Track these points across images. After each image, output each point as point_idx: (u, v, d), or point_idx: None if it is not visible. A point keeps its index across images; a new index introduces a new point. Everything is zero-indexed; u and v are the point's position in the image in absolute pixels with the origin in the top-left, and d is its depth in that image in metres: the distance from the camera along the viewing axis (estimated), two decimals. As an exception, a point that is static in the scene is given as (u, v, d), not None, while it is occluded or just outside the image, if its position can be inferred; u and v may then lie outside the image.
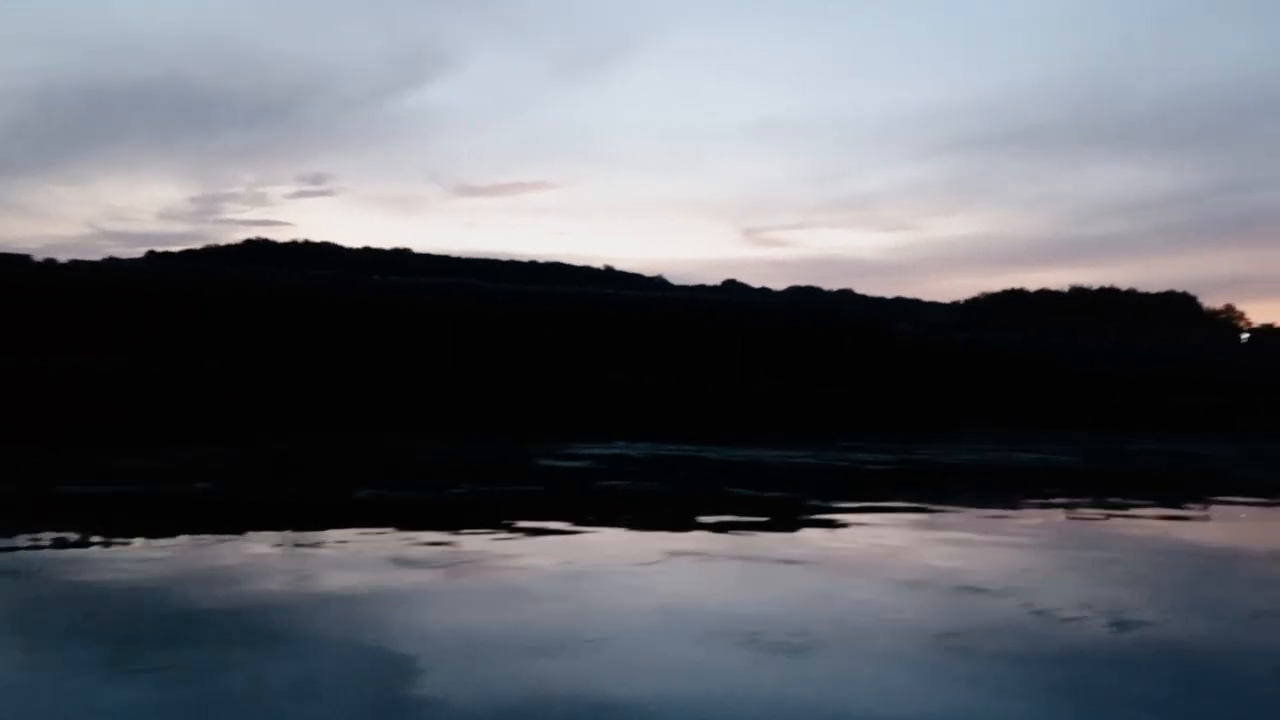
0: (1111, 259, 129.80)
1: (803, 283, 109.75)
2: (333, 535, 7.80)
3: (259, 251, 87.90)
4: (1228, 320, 75.72)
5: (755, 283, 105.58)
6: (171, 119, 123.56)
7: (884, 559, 7.37)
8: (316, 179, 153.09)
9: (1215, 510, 11.16)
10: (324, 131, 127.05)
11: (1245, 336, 52.70)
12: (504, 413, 22.87)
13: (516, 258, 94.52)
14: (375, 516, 8.82)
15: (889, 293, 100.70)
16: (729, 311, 27.69)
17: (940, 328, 29.69)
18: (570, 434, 19.75)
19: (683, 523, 8.83)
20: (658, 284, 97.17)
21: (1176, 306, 77.21)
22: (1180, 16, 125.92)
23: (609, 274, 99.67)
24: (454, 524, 8.40)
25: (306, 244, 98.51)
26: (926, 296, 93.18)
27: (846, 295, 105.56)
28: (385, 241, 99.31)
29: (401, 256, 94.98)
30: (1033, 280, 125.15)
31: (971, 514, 9.98)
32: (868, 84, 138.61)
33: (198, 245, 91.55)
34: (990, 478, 14.48)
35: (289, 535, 7.97)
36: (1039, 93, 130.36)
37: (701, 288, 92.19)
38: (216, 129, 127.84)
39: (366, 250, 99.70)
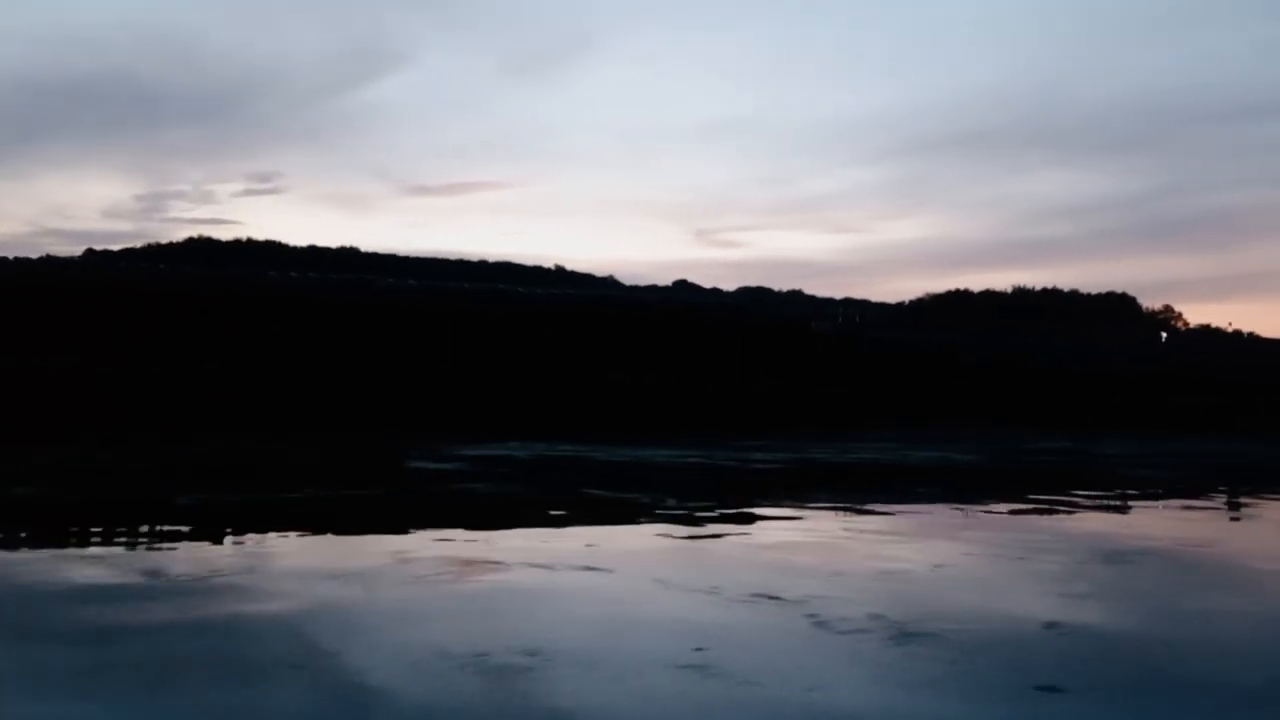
0: (1055, 261, 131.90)
1: (754, 284, 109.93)
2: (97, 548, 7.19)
3: (201, 250, 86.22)
4: (1166, 320, 76.89)
5: (707, 283, 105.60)
6: (117, 115, 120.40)
7: (691, 567, 6.93)
8: (265, 177, 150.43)
9: (1079, 509, 10.85)
10: (273, 129, 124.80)
11: (1164, 336, 53.44)
12: (417, 412, 22.28)
13: (466, 257, 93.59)
14: (176, 519, 8.22)
15: (839, 294, 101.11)
16: (633, 309, 27.26)
17: (857, 325, 29.47)
18: (468, 434, 19.21)
19: (502, 527, 8.34)
20: (609, 284, 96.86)
21: (1116, 307, 78.29)
22: (1123, 25, 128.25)
23: (560, 273, 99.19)
24: (245, 528, 7.84)
25: (250, 242, 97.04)
26: (875, 298, 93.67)
27: (796, 296, 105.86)
28: (335, 240, 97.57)
29: (348, 255, 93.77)
30: (981, 281, 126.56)
31: (826, 515, 9.60)
32: (820, 87, 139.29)
33: (139, 244, 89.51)
34: (876, 477, 14.11)
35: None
36: (987, 97, 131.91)
37: (653, 288, 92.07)
38: (163, 126, 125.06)
39: (312, 249, 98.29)
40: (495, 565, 6.84)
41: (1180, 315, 77.70)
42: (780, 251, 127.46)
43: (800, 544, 8.13)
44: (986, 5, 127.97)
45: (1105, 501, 11.51)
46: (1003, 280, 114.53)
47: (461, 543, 7.71)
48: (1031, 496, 11.73)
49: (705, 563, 7.08)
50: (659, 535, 8.24)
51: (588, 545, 7.66)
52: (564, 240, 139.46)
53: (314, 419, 20.89)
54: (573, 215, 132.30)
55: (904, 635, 5.32)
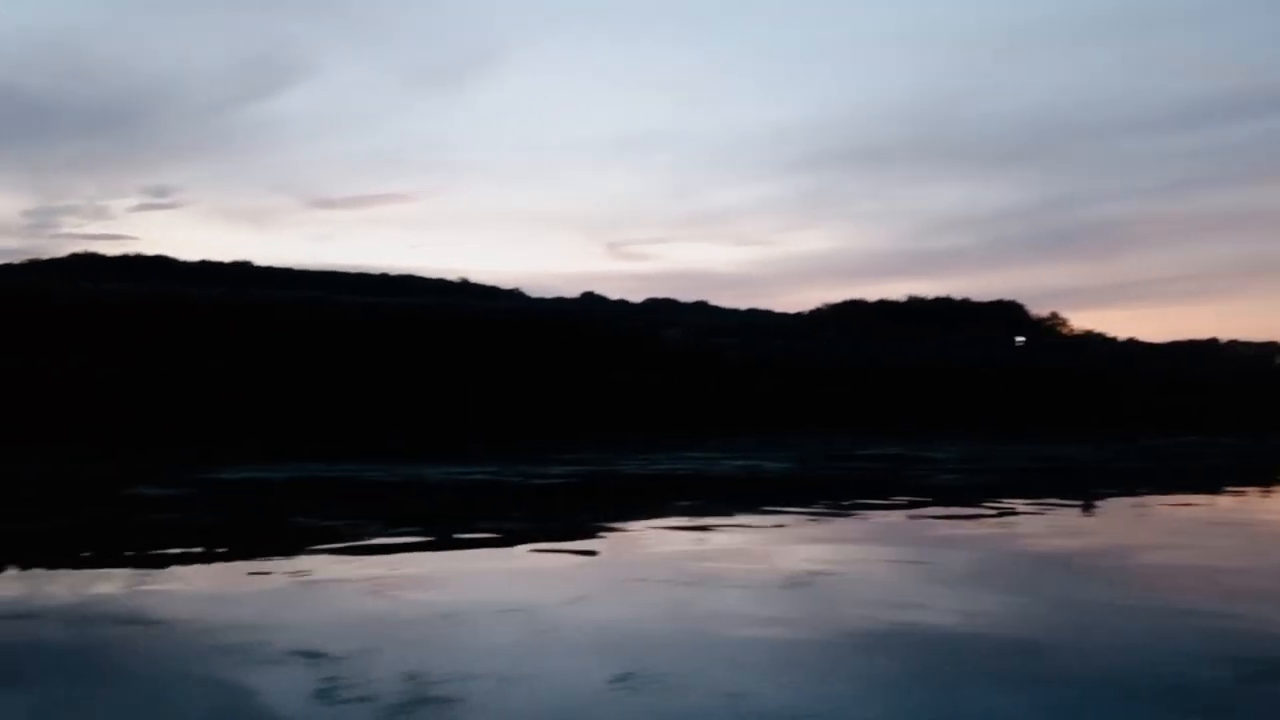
0: (951, 270, 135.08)
1: (661, 295, 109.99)
2: None
3: (86, 266, 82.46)
4: (1053, 326, 78.66)
5: (614, 295, 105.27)
6: (4, 127, 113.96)
7: (269, 613, 5.83)
8: (161, 191, 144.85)
9: (826, 519, 10.03)
10: (169, 141, 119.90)
11: (1020, 340, 54.35)
12: (219, 428, 20.83)
13: (369, 270, 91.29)
14: None
15: (744, 305, 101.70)
16: (469, 316, 26.15)
17: (707, 334, 28.89)
18: (257, 453, 17.84)
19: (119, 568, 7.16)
20: (515, 296, 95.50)
21: (1005, 314, 79.98)
22: (1014, 43, 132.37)
23: (464, 286, 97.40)
24: None
25: (139, 258, 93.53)
26: (779, 308, 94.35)
27: (701, 307, 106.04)
28: (234, 255, 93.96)
29: (241, 270, 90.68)
30: (883, 290, 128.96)
31: (539, 538, 8.60)
32: (726, 101, 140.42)
33: (20, 260, 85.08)
34: (660, 491, 13.15)
35: None
36: (887, 113, 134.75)
37: (559, 300, 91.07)
38: (54, 138, 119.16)
39: (204, 264, 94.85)
40: (23, 617, 5.68)
41: (1066, 321, 79.56)
42: (687, 263, 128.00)
43: (450, 580, 7.06)
44: (886, 24, 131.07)
45: (875, 510, 10.71)
46: (901, 289, 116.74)
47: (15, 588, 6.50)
48: (811, 504, 10.94)
49: (286, 608, 5.97)
50: (289, 574, 7.09)
51: (183, 588, 6.51)
52: (471, 253, 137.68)
53: (93, 433, 19.37)
54: (479, 228, 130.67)
55: (416, 702, 4.29)
